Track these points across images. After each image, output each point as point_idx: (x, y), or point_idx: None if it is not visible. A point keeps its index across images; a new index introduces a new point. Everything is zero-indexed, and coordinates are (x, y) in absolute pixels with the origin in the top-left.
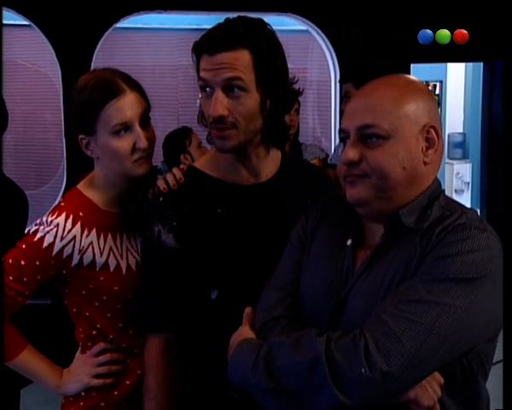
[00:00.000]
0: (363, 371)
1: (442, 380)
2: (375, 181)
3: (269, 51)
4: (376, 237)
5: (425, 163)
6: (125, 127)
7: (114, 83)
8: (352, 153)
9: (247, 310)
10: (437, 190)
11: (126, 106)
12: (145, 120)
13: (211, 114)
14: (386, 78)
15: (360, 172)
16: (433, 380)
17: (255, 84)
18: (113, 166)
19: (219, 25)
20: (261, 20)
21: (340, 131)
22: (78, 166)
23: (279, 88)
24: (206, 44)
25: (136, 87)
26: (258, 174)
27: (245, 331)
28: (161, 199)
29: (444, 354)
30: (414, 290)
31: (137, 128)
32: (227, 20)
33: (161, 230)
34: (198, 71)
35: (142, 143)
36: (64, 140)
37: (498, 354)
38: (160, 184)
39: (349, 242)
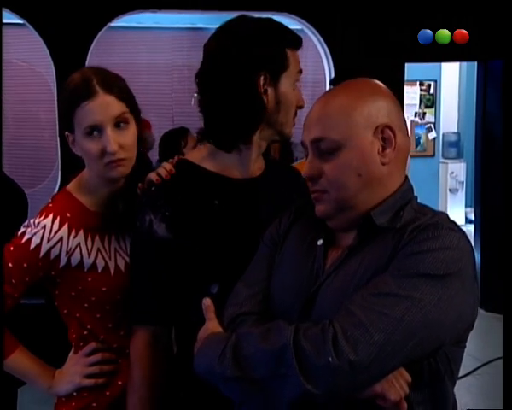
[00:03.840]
0: (330, 359)
1: (409, 378)
2: (333, 195)
3: None
4: (347, 238)
5: (383, 164)
6: (97, 129)
7: (89, 84)
8: (309, 169)
9: (206, 302)
10: (409, 193)
11: (96, 109)
12: (122, 124)
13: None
14: (344, 84)
15: (321, 187)
16: (400, 377)
17: None
18: (90, 166)
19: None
20: None
21: (301, 144)
22: (73, 165)
23: None
24: (297, 39)
25: (115, 89)
26: (250, 169)
27: (213, 326)
28: (153, 189)
29: (412, 348)
30: (384, 284)
31: (108, 131)
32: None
33: (153, 219)
34: (287, 62)
35: (111, 148)
36: (58, 139)
37: (497, 352)
38: (153, 176)
39: (320, 242)
